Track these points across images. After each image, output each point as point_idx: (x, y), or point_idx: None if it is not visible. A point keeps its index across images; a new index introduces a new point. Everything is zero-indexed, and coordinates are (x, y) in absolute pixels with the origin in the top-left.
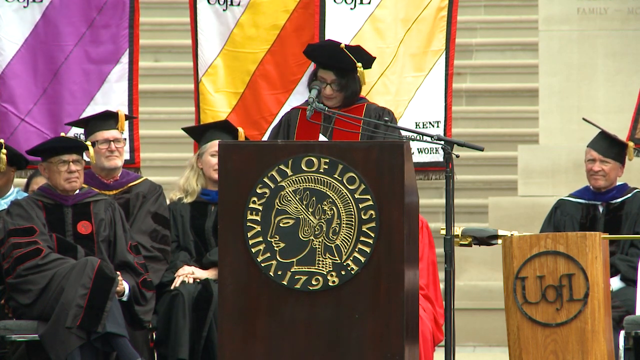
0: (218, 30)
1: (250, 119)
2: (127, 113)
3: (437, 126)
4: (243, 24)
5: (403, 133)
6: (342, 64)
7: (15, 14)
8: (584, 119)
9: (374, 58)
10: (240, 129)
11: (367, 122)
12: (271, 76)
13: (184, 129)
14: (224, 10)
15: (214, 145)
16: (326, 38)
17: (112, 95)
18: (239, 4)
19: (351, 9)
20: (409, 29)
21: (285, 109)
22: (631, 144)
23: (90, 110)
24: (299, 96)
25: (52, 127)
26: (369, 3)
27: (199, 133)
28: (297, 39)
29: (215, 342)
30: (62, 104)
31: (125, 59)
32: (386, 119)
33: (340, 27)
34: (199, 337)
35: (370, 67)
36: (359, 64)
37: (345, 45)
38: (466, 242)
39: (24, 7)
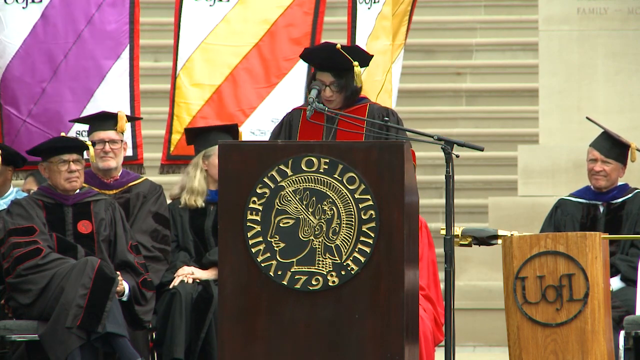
0: (200, 25)
1: (225, 111)
2: (129, 112)
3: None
4: (230, 19)
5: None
6: (339, 64)
7: (15, 16)
8: (587, 118)
9: (371, 56)
10: (241, 130)
11: (371, 122)
12: (255, 70)
13: (186, 130)
14: (210, 5)
15: None
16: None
17: (112, 93)
18: (228, 0)
19: (368, 8)
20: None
21: (267, 103)
22: (634, 144)
23: (91, 108)
24: (282, 92)
25: (53, 126)
26: (377, 1)
27: (198, 135)
28: (287, 35)
29: (213, 344)
30: (62, 102)
31: (125, 55)
32: (386, 118)
33: (361, 27)
34: (197, 338)
35: (367, 65)
36: (356, 62)
37: (342, 45)
38: (466, 242)
39: (23, 7)
